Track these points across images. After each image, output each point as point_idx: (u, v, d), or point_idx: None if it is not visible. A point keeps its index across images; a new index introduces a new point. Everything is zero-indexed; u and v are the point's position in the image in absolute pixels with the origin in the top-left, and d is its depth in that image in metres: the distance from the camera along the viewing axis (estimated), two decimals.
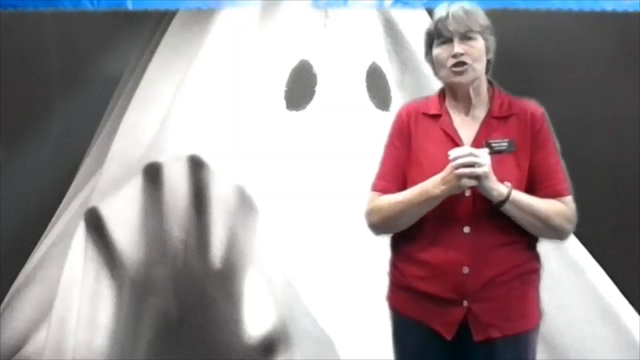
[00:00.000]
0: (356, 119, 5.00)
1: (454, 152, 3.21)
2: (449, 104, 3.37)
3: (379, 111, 5.07)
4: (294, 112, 4.98)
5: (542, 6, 4.96)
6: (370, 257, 4.71)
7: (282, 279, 4.52)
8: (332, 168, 4.86)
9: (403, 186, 3.32)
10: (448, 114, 3.36)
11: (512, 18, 5.17)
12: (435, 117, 3.36)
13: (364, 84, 5.08)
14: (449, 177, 3.20)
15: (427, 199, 3.23)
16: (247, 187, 4.60)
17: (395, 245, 3.40)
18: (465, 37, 3.28)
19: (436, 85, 5.07)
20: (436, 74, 3.41)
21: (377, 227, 3.38)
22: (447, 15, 3.30)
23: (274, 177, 4.73)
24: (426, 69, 5.12)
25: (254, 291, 4.49)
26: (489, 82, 3.38)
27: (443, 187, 3.20)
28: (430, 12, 5.24)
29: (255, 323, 4.44)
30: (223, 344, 4.50)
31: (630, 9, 4.98)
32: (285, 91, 4.99)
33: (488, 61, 3.35)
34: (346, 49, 5.08)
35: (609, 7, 4.98)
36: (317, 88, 5.02)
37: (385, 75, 5.15)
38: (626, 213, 5.35)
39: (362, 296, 4.63)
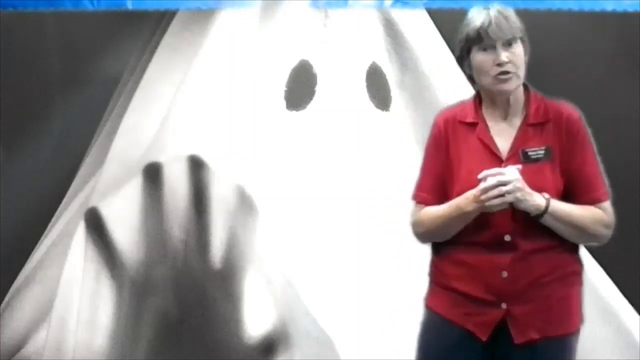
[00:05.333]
0: (356, 119, 4.99)
1: (483, 179, 3.19)
2: (485, 110, 3.34)
3: (379, 111, 5.07)
4: (294, 112, 4.98)
5: (542, 6, 4.95)
6: (370, 257, 4.72)
7: (282, 279, 4.52)
8: (332, 168, 4.86)
9: (443, 196, 3.32)
10: (484, 122, 3.32)
11: None
12: (472, 125, 3.33)
13: (364, 84, 5.08)
14: (480, 197, 3.19)
15: (462, 214, 3.24)
16: (247, 187, 4.60)
17: (437, 245, 3.39)
18: (508, 43, 3.26)
19: (436, 85, 5.09)
20: (474, 80, 3.36)
21: (423, 238, 3.40)
22: (489, 22, 3.24)
23: (274, 177, 4.73)
24: (426, 69, 5.15)
25: (254, 291, 4.49)
26: (524, 86, 3.35)
27: (476, 205, 3.20)
28: (430, 12, 5.24)
29: (255, 323, 4.44)
30: (223, 344, 4.50)
31: (630, 9, 4.97)
32: (285, 91, 4.99)
33: None
34: (346, 49, 5.07)
35: (609, 7, 4.97)
36: (317, 88, 5.01)
37: (385, 75, 5.15)
38: (626, 213, 5.34)
39: (362, 296, 4.64)
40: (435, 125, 3.39)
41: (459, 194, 3.26)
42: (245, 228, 4.55)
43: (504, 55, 3.24)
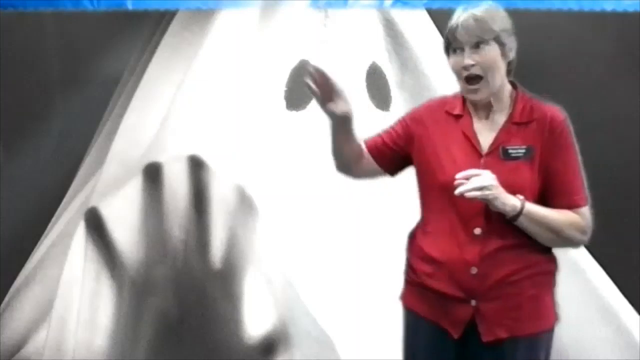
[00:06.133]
0: (356, 119, 4.99)
1: (461, 183, 3.17)
2: (470, 107, 3.35)
3: (379, 111, 5.07)
4: (294, 112, 4.98)
5: (542, 6, 4.96)
6: (370, 257, 4.72)
7: (282, 279, 4.52)
8: (331, 168, 4.85)
9: (378, 153, 3.49)
10: (470, 115, 3.33)
11: (512, 18, 5.17)
12: (458, 117, 3.34)
13: (364, 84, 5.08)
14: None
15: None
16: (247, 187, 4.60)
17: (411, 243, 3.41)
18: (477, 45, 3.24)
19: (436, 85, 5.09)
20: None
21: (336, 162, 3.61)
22: (456, 25, 3.24)
23: (274, 177, 4.73)
24: (426, 69, 5.16)
25: (254, 291, 4.49)
26: (512, 85, 3.34)
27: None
28: (430, 12, 5.25)
29: (255, 323, 4.44)
30: (223, 344, 4.50)
31: (630, 9, 4.97)
32: (285, 91, 4.99)
33: (509, 63, 3.30)
34: (346, 49, 5.07)
35: (609, 7, 4.97)
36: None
37: (385, 75, 5.15)
38: (626, 213, 5.35)
39: (362, 296, 4.63)
40: (422, 108, 3.45)
41: (443, 185, 3.25)
42: (245, 228, 4.55)
43: (469, 58, 3.23)
